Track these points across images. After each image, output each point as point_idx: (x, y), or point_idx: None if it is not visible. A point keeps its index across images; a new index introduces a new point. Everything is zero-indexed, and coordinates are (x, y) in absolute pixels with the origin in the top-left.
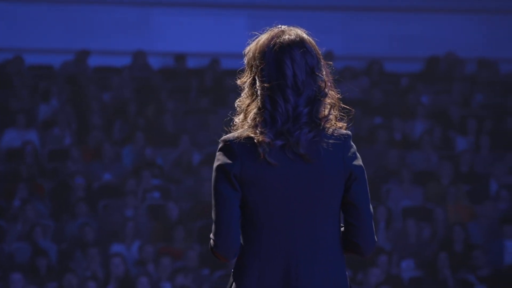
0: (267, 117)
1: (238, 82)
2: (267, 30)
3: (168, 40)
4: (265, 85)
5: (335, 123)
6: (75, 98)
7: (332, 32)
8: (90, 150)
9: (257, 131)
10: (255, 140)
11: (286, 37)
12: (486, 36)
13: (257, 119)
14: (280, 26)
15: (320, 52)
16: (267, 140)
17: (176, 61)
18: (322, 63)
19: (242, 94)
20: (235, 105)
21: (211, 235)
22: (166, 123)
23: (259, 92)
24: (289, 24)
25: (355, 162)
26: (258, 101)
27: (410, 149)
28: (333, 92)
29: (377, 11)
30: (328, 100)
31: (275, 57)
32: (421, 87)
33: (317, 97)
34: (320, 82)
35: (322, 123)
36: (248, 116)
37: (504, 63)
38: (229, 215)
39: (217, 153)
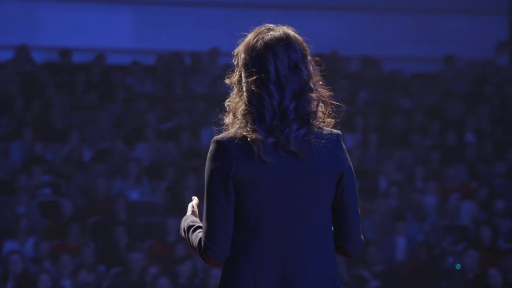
0: (254, 112)
1: (227, 81)
2: (254, 29)
3: (53, 35)
4: (249, 80)
5: (323, 120)
6: None
7: (217, 28)
8: None
9: (249, 129)
10: (248, 139)
11: (271, 33)
12: (369, 34)
13: (246, 115)
14: (267, 24)
15: (307, 49)
16: (260, 137)
17: (61, 56)
18: (308, 59)
19: (231, 94)
20: (225, 105)
21: (204, 240)
22: (54, 118)
23: (244, 88)
24: (174, 20)
25: (346, 163)
26: (245, 97)
27: None
28: (321, 89)
29: (261, 8)
30: (314, 95)
31: (258, 53)
32: None
33: (302, 92)
34: (305, 77)
35: (311, 120)
36: (237, 114)
37: (387, 61)
38: (225, 222)
39: (210, 154)
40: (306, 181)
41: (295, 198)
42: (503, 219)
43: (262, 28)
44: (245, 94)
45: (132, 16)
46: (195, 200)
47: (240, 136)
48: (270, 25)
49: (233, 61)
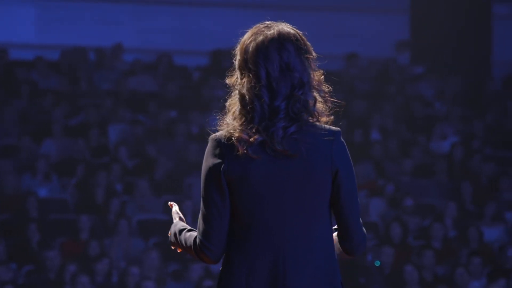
0: (245, 114)
1: (227, 81)
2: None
3: None
4: (242, 83)
5: (318, 118)
6: None
7: (121, 24)
8: None
9: (237, 128)
10: (233, 138)
11: (265, 32)
12: None
13: (239, 116)
14: (265, 22)
15: (304, 48)
16: (245, 136)
17: None
18: (302, 58)
19: (232, 94)
20: (226, 105)
21: (200, 238)
22: None
23: (238, 90)
24: (78, 15)
25: (343, 160)
26: (237, 98)
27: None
28: (319, 86)
29: (166, 5)
30: (309, 93)
31: (250, 56)
32: (213, 81)
33: (293, 93)
34: (298, 76)
35: (303, 118)
36: (232, 114)
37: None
38: (221, 220)
39: (206, 153)
40: (297, 179)
41: (287, 196)
42: (411, 216)
43: (259, 26)
44: (238, 96)
45: (35, 10)
46: (175, 206)
47: (230, 135)
48: (268, 22)
49: (233, 60)
